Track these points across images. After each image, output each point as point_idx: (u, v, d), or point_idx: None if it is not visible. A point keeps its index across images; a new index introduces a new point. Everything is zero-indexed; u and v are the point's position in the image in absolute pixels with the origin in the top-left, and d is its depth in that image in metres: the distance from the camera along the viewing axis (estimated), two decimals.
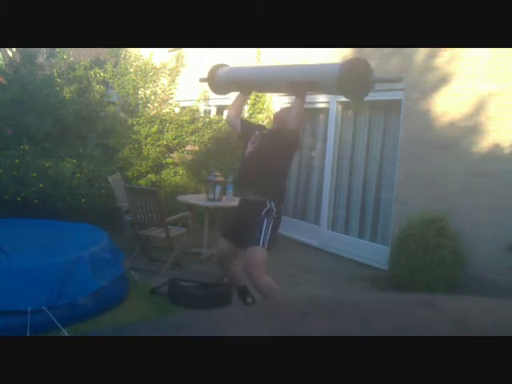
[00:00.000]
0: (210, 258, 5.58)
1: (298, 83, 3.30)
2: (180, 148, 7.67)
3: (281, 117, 3.64)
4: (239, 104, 3.80)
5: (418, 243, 4.47)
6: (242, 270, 3.56)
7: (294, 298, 3.44)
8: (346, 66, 3.14)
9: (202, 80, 4.10)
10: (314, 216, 6.72)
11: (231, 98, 8.08)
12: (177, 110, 8.17)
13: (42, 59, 9.20)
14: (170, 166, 7.47)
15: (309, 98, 6.89)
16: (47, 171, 5.98)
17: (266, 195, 3.38)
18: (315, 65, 3.21)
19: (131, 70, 8.15)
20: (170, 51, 8.97)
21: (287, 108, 3.74)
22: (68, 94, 7.45)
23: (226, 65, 4.00)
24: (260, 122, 7.50)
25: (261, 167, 3.44)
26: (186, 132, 7.63)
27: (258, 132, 3.64)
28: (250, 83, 3.71)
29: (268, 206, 3.35)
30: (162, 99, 8.08)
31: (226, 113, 8.25)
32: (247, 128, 3.76)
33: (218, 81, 3.87)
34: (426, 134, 5.18)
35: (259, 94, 7.51)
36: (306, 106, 7.20)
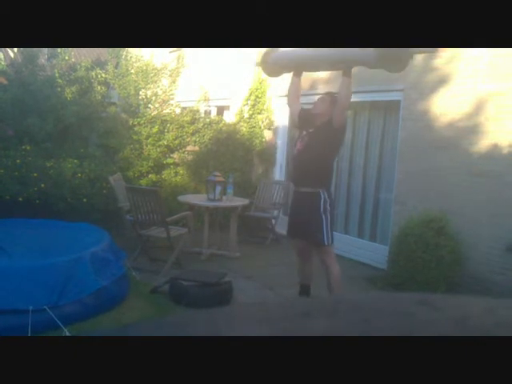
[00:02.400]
0: (210, 258, 5.59)
1: (344, 60, 3.63)
2: (181, 148, 7.68)
3: (322, 106, 3.81)
4: (295, 88, 3.99)
5: (418, 243, 4.47)
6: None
7: (294, 298, 3.45)
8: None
9: (258, 64, 4.40)
10: None
11: (231, 98, 8.11)
12: (177, 110, 8.17)
13: (43, 60, 9.19)
14: (171, 166, 7.48)
15: (308, 98, 6.90)
16: (48, 171, 5.99)
17: (318, 186, 3.66)
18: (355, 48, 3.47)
19: (132, 70, 8.15)
20: (170, 52, 8.97)
21: (328, 96, 3.92)
22: (69, 95, 7.45)
23: (276, 49, 4.19)
24: (260, 123, 7.51)
25: (311, 163, 3.68)
26: (186, 132, 7.63)
27: (304, 132, 3.84)
28: (300, 64, 3.96)
29: (322, 196, 3.64)
30: (163, 100, 8.08)
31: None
32: (303, 122, 3.93)
33: (272, 64, 4.09)
34: (426, 134, 5.18)
35: (259, 95, 7.50)
36: (306, 106, 7.21)
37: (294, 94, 3.99)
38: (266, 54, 4.09)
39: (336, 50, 3.58)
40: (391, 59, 3.41)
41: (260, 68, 4.34)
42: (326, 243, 3.63)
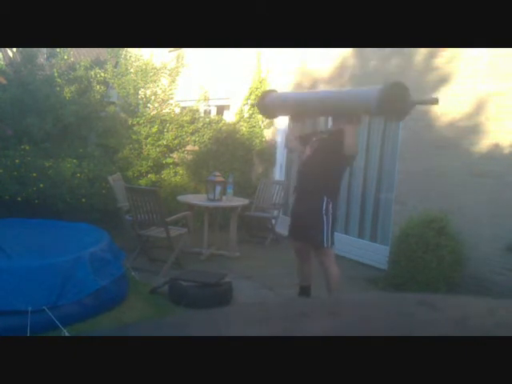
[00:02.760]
0: (209, 258, 5.59)
1: (344, 110, 3.51)
2: (180, 148, 7.67)
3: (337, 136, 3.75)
4: (294, 135, 3.97)
5: (418, 243, 4.47)
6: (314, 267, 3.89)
7: (293, 298, 3.45)
8: (385, 90, 3.24)
9: (254, 105, 4.35)
10: None
11: (231, 98, 8.11)
12: (177, 110, 8.17)
13: (42, 59, 9.19)
14: (171, 166, 7.47)
15: None
16: (47, 171, 5.98)
17: (322, 191, 3.66)
18: (355, 90, 3.32)
19: (131, 70, 8.14)
20: (170, 51, 8.97)
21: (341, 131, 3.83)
22: (68, 94, 7.44)
23: (274, 91, 4.17)
24: (260, 123, 7.51)
25: (318, 169, 3.68)
26: (186, 132, 7.63)
27: (314, 138, 3.83)
28: (297, 110, 3.90)
29: (325, 198, 3.63)
30: (163, 99, 8.08)
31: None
32: (306, 140, 3.89)
33: (268, 106, 4.02)
34: (426, 134, 5.18)
35: (259, 95, 7.50)
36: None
37: (293, 139, 3.95)
38: (263, 94, 4.06)
39: (337, 98, 3.53)
40: (392, 110, 3.34)
41: (257, 108, 4.32)
42: (325, 245, 3.62)
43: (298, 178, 4.02)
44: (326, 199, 3.61)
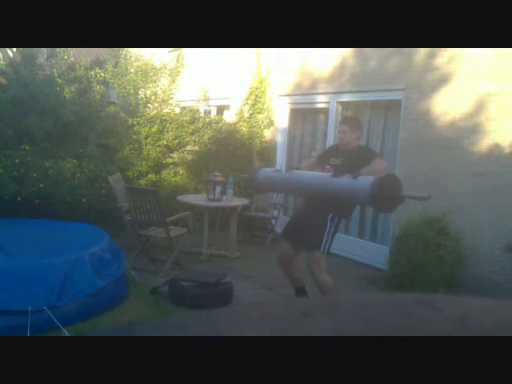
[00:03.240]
0: (209, 258, 5.59)
1: (336, 197, 3.52)
2: (180, 148, 7.67)
3: (346, 135, 3.79)
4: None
5: (418, 243, 4.47)
6: (304, 269, 3.80)
7: (293, 298, 3.45)
8: (377, 183, 3.23)
9: (245, 177, 4.51)
10: None
11: (231, 98, 8.09)
12: (177, 110, 8.17)
13: (42, 59, 9.19)
14: (171, 166, 7.47)
15: (309, 98, 6.91)
16: (47, 171, 5.98)
17: (332, 207, 3.61)
18: (346, 182, 3.31)
19: (131, 70, 8.15)
20: (170, 51, 8.97)
21: (346, 124, 3.92)
22: (68, 94, 7.45)
23: (262, 168, 4.20)
24: (260, 123, 7.50)
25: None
26: (186, 132, 7.62)
27: (328, 166, 3.78)
28: (288, 190, 4.02)
29: (332, 212, 3.61)
30: (163, 99, 8.08)
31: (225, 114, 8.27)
32: (323, 160, 3.92)
33: (260, 185, 4.08)
34: (426, 134, 5.18)
35: (259, 95, 7.51)
36: (306, 105, 7.20)
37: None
38: (254, 169, 4.12)
39: (327, 186, 3.50)
40: (383, 203, 3.33)
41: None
42: (321, 250, 3.57)
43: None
44: (334, 211, 3.62)
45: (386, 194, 3.23)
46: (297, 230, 3.78)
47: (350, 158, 3.62)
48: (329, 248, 3.62)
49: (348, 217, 3.79)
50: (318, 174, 3.70)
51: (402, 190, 3.35)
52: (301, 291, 3.94)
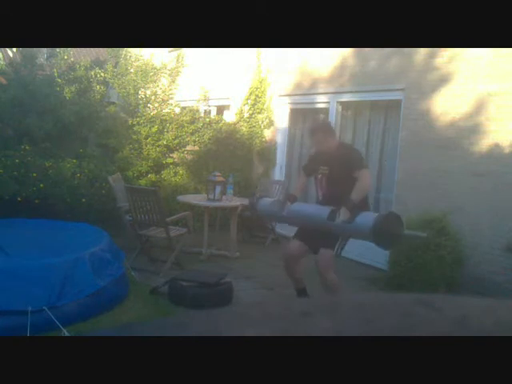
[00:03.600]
0: (209, 258, 5.59)
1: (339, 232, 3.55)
2: (180, 148, 7.67)
3: (318, 139, 3.80)
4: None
5: (418, 243, 4.47)
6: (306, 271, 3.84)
7: (294, 298, 3.45)
8: (380, 221, 3.26)
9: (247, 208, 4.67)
10: None
11: (231, 98, 8.09)
12: (177, 110, 8.17)
13: (42, 59, 9.19)
14: (170, 166, 7.47)
15: (309, 98, 6.91)
16: (47, 171, 5.98)
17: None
18: (345, 225, 3.38)
19: (131, 70, 8.15)
20: (170, 51, 8.97)
21: (317, 128, 3.94)
22: (68, 94, 7.45)
23: (265, 198, 4.24)
24: (260, 123, 7.50)
25: (340, 191, 3.58)
26: (186, 132, 7.62)
27: (320, 176, 3.78)
28: (286, 222, 4.15)
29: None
30: (163, 99, 8.08)
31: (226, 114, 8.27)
32: (311, 170, 3.92)
33: (259, 211, 4.10)
34: (426, 134, 5.18)
35: (259, 95, 7.51)
36: (306, 105, 7.20)
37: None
38: (254, 199, 4.17)
39: (329, 224, 3.49)
40: (384, 240, 3.35)
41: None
42: (334, 250, 3.59)
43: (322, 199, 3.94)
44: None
45: (388, 234, 3.26)
46: (312, 232, 3.70)
47: (338, 165, 3.59)
48: (341, 251, 3.65)
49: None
50: (315, 212, 3.65)
51: (402, 228, 3.37)
52: (302, 292, 3.93)
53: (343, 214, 3.35)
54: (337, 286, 3.60)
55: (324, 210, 3.50)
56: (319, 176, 3.76)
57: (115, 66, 8.61)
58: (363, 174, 3.51)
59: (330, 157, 3.69)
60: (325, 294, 3.68)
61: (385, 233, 3.24)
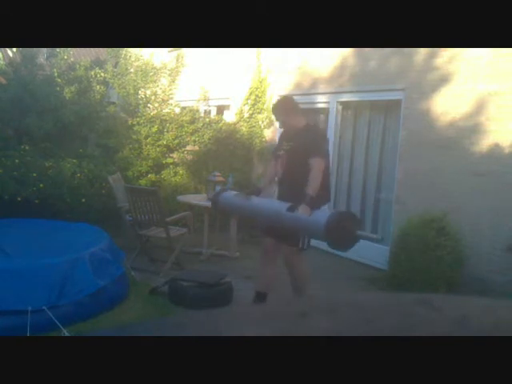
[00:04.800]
0: (209, 258, 5.58)
1: (292, 228, 3.42)
2: (180, 148, 7.67)
3: (279, 114, 3.74)
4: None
5: (418, 243, 4.47)
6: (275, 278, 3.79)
7: (293, 298, 3.45)
8: (332, 219, 3.14)
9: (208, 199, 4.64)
10: None
11: (231, 98, 8.09)
12: (177, 110, 8.17)
13: (42, 59, 9.19)
14: (170, 166, 7.47)
15: (309, 97, 6.91)
16: (47, 171, 5.98)
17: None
18: (301, 217, 3.26)
19: (131, 70, 8.15)
20: (170, 51, 8.97)
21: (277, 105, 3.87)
22: (68, 94, 7.45)
23: (226, 190, 4.24)
24: (260, 123, 7.50)
25: (298, 178, 3.48)
26: (186, 132, 7.62)
27: (282, 152, 3.68)
28: (245, 215, 4.11)
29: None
30: (163, 99, 8.08)
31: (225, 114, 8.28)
32: (278, 148, 3.80)
33: (221, 205, 4.06)
34: (426, 133, 5.18)
35: (259, 94, 7.51)
36: (306, 105, 7.21)
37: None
38: (216, 193, 4.20)
39: (282, 219, 3.39)
40: (338, 242, 3.24)
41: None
42: (300, 246, 3.51)
43: (279, 188, 3.87)
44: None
45: (342, 233, 3.12)
46: (276, 228, 3.59)
47: (299, 144, 3.47)
48: (308, 244, 3.54)
49: (324, 200, 3.62)
50: (274, 205, 3.54)
51: (359, 227, 3.29)
52: (261, 297, 3.71)
53: (302, 210, 3.21)
54: (304, 278, 3.56)
55: (283, 205, 3.36)
56: (281, 152, 3.62)
57: (115, 66, 8.61)
58: (316, 162, 3.34)
59: (295, 134, 3.55)
60: (293, 285, 3.64)
61: (339, 232, 3.10)
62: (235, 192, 4.02)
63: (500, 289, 4.37)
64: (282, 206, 3.37)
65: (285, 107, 3.69)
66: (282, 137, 3.83)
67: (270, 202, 3.71)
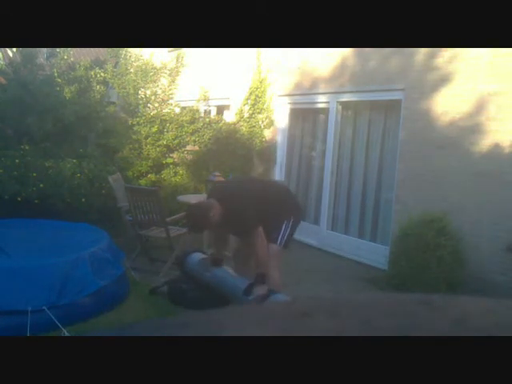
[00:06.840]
0: None
1: None
2: (180, 148, 7.67)
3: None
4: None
5: (418, 243, 4.47)
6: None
7: (293, 298, 3.45)
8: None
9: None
10: (314, 216, 6.72)
11: (231, 98, 8.10)
12: (177, 110, 8.17)
13: (42, 59, 9.19)
14: (170, 166, 7.47)
15: (309, 97, 6.91)
16: (47, 171, 5.98)
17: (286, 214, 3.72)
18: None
19: (131, 70, 8.15)
20: (170, 51, 8.97)
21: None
22: (68, 94, 7.45)
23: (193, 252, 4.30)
24: (260, 123, 7.51)
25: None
26: (186, 132, 7.63)
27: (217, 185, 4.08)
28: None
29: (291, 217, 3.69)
30: (163, 99, 8.08)
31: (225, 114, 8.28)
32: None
33: (186, 268, 4.20)
34: (426, 133, 5.18)
35: (259, 95, 7.51)
36: (306, 105, 7.19)
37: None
38: (184, 253, 4.29)
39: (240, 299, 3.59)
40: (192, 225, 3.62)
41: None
42: (278, 243, 3.59)
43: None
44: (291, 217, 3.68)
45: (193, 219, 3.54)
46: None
47: (235, 223, 3.62)
48: (286, 243, 3.64)
49: (299, 216, 3.84)
50: (231, 284, 3.74)
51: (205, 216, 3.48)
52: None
53: (259, 290, 3.49)
54: (278, 283, 3.63)
55: (242, 283, 3.61)
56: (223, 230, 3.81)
57: (115, 66, 8.61)
58: (256, 237, 3.51)
59: (225, 220, 3.54)
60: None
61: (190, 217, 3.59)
62: (201, 257, 4.15)
63: (500, 289, 4.37)
64: (239, 287, 3.61)
65: (202, 214, 3.57)
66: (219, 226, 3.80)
67: (228, 280, 3.85)
